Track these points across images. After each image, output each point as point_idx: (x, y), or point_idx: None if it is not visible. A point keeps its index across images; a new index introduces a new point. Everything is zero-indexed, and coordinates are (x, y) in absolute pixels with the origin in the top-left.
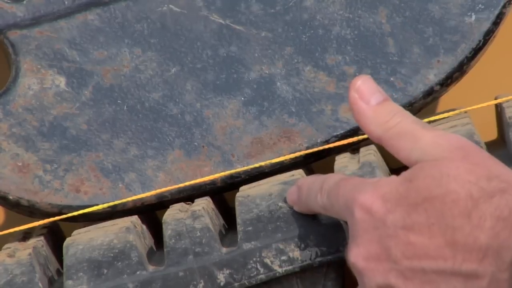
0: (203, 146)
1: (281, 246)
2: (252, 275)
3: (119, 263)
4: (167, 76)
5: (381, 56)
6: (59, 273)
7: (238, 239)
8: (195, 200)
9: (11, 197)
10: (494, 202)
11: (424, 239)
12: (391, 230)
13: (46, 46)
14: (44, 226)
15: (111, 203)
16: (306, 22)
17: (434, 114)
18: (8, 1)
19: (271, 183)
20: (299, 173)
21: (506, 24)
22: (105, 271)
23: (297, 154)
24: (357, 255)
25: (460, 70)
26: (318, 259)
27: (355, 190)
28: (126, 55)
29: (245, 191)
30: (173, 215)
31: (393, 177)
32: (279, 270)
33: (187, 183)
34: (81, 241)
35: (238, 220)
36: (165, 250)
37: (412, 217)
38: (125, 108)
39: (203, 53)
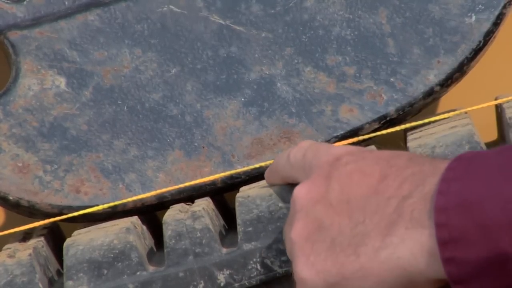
0: (203, 147)
1: (281, 247)
2: (252, 275)
3: (119, 263)
4: (167, 76)
5: (381, 56)
6: (59, 273)
7: (238, 240)
8: (195, 201)
9: (11, 198)
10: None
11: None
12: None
13: (46, 46)
14: (44, 227)
15: (112, 204)
16: (306, 22)
17: (434, 114)
18: (9, 1)
19: None
20: None
21: (506, 24)
22: (105, 271)
23: None
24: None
25: (460, 71)
26: None
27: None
28: (126, 56)
29: (245, 191)
30: (173, 215)
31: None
32: (279, 270)
33: (187, 184)
34: (82, 242)
35: (238, 221)
36: (165, 250)
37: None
38: (125, 108)
39: (203, 54)
